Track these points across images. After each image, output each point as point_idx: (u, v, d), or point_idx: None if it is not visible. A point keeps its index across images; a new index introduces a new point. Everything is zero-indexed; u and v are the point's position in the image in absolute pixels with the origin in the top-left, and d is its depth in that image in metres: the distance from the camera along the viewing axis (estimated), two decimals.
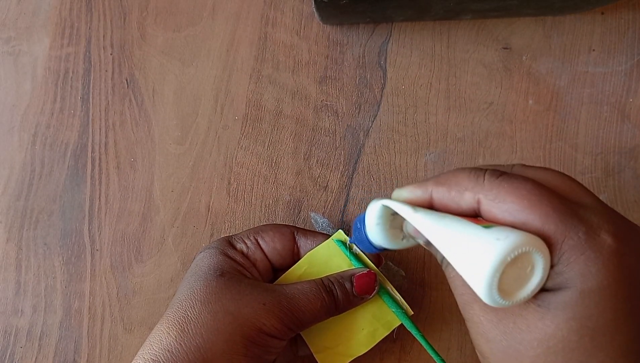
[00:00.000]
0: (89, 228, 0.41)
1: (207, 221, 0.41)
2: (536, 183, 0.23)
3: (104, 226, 0.41)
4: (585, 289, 0.22)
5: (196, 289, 0.31)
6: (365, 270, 0.33)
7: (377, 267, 0.34)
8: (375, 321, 0.34)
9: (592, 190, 0.40)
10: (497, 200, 0.23)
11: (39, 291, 0.40)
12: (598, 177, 0.40)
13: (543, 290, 0.23)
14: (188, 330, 0.29)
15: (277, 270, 0.36)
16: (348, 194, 0.41)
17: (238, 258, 0.33)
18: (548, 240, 0.22)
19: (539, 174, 0.25)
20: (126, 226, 0.41)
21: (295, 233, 0.35)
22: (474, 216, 0.25)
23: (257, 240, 0.35)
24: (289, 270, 0.35)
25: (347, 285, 0.33)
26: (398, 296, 0.34)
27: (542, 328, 0.22)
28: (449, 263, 0.25)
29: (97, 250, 0.41)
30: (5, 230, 0.41)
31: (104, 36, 0.44)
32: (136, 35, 0.43)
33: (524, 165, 0.26)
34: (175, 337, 0.29)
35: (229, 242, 0.34)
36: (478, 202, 0.24)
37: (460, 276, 0.24)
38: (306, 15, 0.43)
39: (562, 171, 0.40)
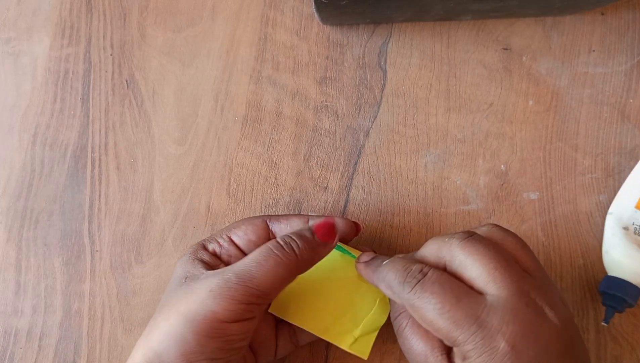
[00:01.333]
0: (88, 228, 0.41)
1: (207, 222, 0.41)
2: (445, 291, 0.28)
3: (103, 226, 0.41)
4: None
5: (165, 299, 0.31)
6: (321, 219, 0.33)
7: (356, 235, 0.35)
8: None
9: (592, 190, 0.40)
10: (415, 308, 0.28)
11: (39, 291, 0.40)
12: (598, 177, 0.40)
13: None
14: (150, 340, 0.29)
15: None
16: (348, 195, 0.41)
17: (205, 257, 0.33)
18: (455, 341, 0.27)
19: (499, 235, 0.30)
20: (126, 226, 0.41)
21: (267, 221, 0.35)
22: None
23: (229, 237, 0.34)
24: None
25: (308, 234, 0.31)
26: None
27: None
28: (404, 328, 0.30)
29: (97, 250, 0.41)
30: (5, 230, 0.41)
31: (104, 36, 0.44)
32: (136, 36, 0.43)
33: (494, 225, 0.31)
34: (142, 351, 0.29)
35: (203, 245, 0.34)
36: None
37: (412, 345, 0.30)
38: (306, 15, 0.43)
39: (562, 171, 0.40)
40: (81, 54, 0.43)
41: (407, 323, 0.31)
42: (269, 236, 0.35)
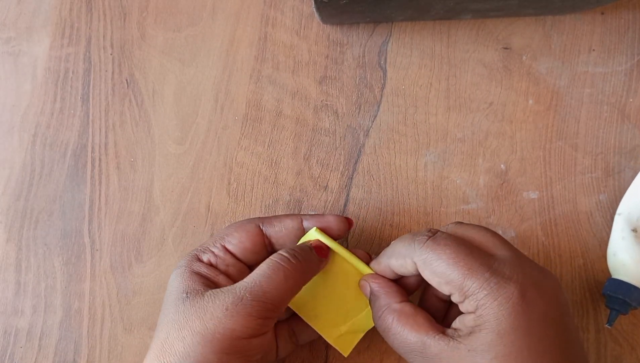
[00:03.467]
0: (89, 228, 0.41)
1: (207, 221, 0.41)
2: (458, 244, 0.29)
3: (103, 226, 0.41)
4: (501, 330, 0.27)
5: (168, 317, 0.30)
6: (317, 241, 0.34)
7: (349, 229, 0.36)
8: None
9: (592, 190, 0.40)
10: (426, 264, 0.29)
11: (39, 291, 0.40)
12: (598, 177, 0.40)
13: (471, 332, 0.28)
14: (165, 361, 0.29)
15: (252, 266, 0.35)
16: (348, 195, 0.41)
17: (203, 270, 0.33)
18: (468, 291, 0.28)
19: (467, 232, 0.31)
20: (126, 226, 0.41)
21: (260, 225, 0.35)
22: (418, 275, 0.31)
23: (223, 246, 0.34)
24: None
25: (308, 249, 0.33)
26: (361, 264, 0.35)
27: None
28: (385, 332, 0.30)
29: (97, 250, 0.41)
30: (5, 230, 0.41)
31: (104, 36, 0.44)
32: (136, 35, 0.43)
33: (457, 223, 0.32)
34: None
35: (196, 256, 0.34)
36: (416, 264, 0.30)
37: (399, 342, 0.30)
38: (306, 15, 0.43)
39: (562, 171, 0.40)
40: (81, 53, 0.43)
41: (393, 318, 0.30)
42: (263, 241, 0.35)
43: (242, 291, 0.30)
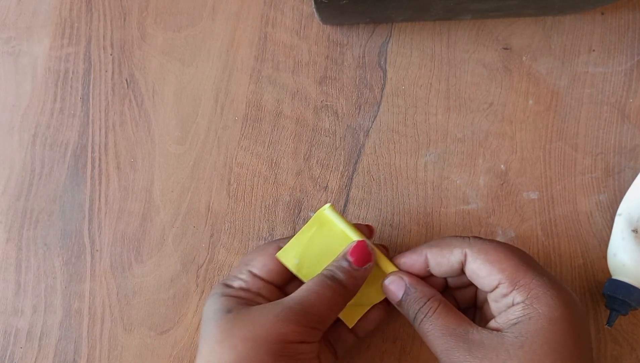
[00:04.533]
0: (89, 228, 0.41)
1: (207, 222, 0.41)
2: (508, 245, 0.31)
3: (103, 226, 0.41)
4: (552, 317, 0.29)
5: (211, 334, 0.31)
6: (354, 243, 0.33)
7: (370, 238, 0.35)
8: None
9: (592, 190, 0.40)
10: (481, 252, 0.31)
11: (39, 291, 0.40)
12: (598, 177, 0.40)
13: (517, 322, 0.29)
14: None
15: (284, 287, 0.35)
16: (348, 195, 0.41)
17: (241, 293, 0.33)
18: (520, 282, 0.30)
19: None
20: (126, 226, 0.41)
21: (280, 245, 0.35)
22: (461, 268, 0.32)
23: (250, 271, 0.34)
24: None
25: (345, 264, 0.33)
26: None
27: (522, 356, 0.28)
28: (423, 319, 0.31)
29: (97, 250, 0.41)
30: (5, 230, 0.41)
31: (104, 36, 0.44)
32: (136, 35, 0.43)
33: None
34: None
35: (226, 284, 0.34)
36: (465, 255, 0.32)
37: (439, 327, 0.30)
38: (306, 15, 0.43)
39: (562, 171, 0.41)
40: (81, 53, 0.43)
41: (439, 305, 0.31)
42: None
43: (291, 302, 0.31)
